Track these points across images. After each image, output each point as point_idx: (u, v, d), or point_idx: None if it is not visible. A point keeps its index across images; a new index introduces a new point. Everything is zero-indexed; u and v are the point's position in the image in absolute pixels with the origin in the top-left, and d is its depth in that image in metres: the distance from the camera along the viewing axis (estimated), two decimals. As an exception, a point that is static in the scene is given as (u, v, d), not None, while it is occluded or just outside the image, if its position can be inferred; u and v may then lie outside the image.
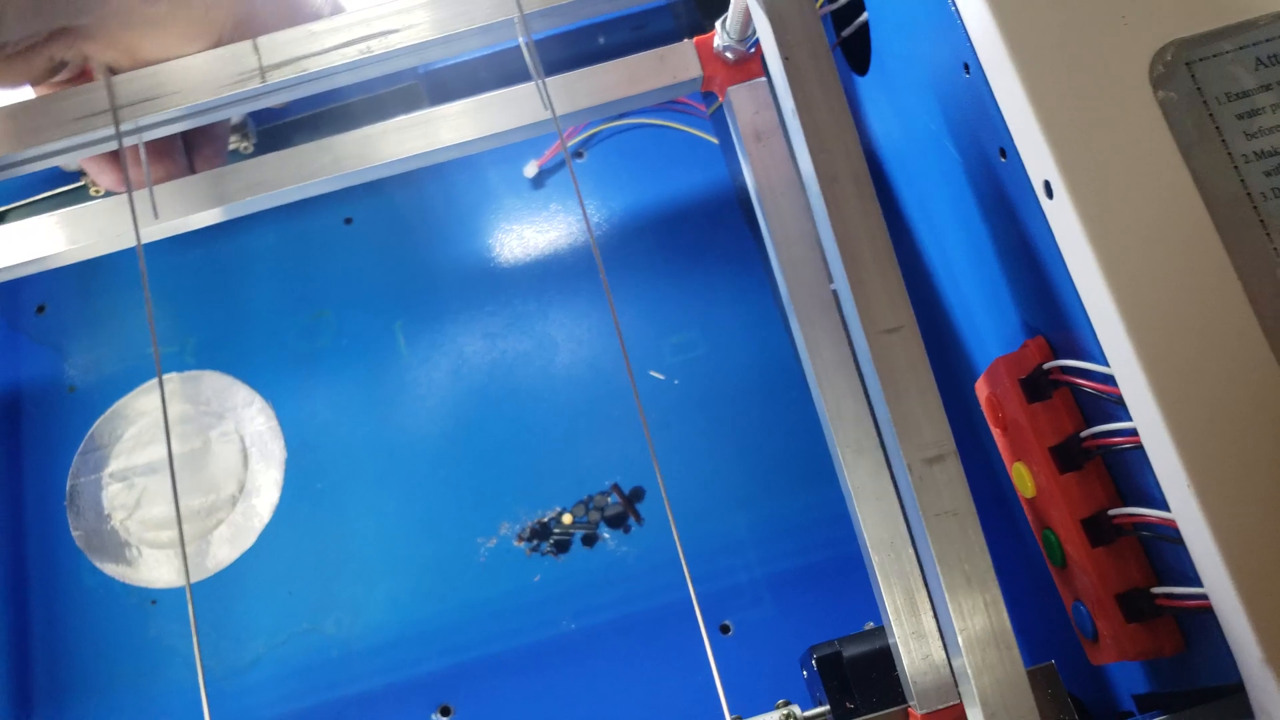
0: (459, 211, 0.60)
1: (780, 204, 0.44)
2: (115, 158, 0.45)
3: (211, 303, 0.60)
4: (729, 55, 0.45)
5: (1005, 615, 0.30)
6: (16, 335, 0.60)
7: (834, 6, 0.47)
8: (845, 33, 0.47)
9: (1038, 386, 0.34)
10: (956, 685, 0.33)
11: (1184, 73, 0.30)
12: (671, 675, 0.49)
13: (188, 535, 0.55)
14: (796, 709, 0.40)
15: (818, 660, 0.39)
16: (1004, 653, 0.30)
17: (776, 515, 0.52)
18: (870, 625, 0.42)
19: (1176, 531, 0.29)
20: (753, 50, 0.45)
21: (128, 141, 0.40)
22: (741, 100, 0.46)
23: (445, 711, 0.50)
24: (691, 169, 0.60)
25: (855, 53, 0.48)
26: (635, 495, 0.53)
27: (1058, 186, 0.30)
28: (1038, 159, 0.31)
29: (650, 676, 0.50)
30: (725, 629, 0.50)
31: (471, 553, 0.53)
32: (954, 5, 0.33)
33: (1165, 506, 0.30)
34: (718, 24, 0.45)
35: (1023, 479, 0.35)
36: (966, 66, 0.34)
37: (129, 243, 0.46)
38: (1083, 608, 0.34)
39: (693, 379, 0.55)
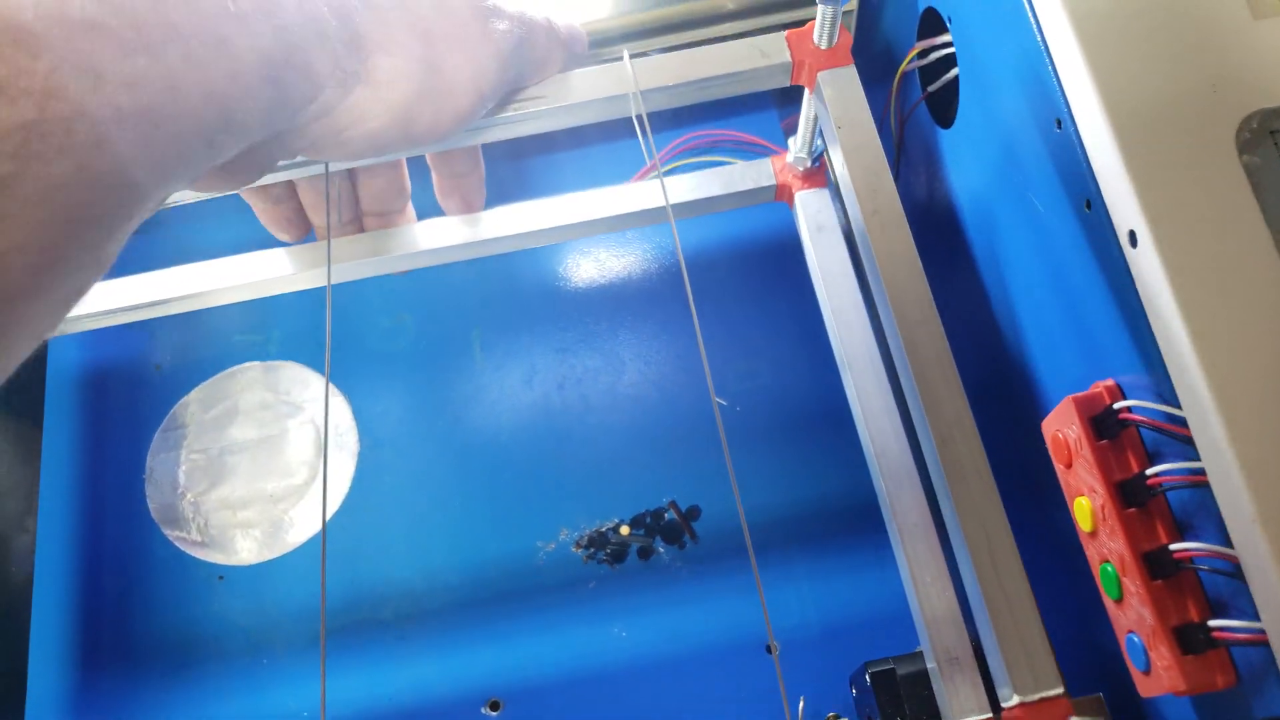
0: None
1: (839, 285, 0.49)
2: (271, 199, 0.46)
3: (299, 298, 0.62)
4: (799, 169, 0.51)
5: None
6: (111, 314, 0.63)
7: (924, 63, 0.50)
8: (931, 88, 0.50)
9: (1106, 425, 0.36)
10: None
11: (1268, 140, 0.32)
12: (719, 688, 0.51)
13: (260, 519, 0.57)
14: (847, 722, 0.42)
15: (872, 675, 0.41)
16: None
17: (825, 543, 0.54)
18: (920, 648, 0.44)
19: (1236, 566, 0.31)
20: (817, 165, 0.52)
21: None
22: (808, 201, 0.52)
23: (494, 706, 0.51)
24: (767, 211, 0.63)
25: (941, 107, 0.51)
26: (691, 514, 0.55)
27: (1143, 236, 0.32)
28: (1124, 210, 0.33)
29: (696, 688, 0.51)
30: (770, 649, 0.52)
31: (530, 555, 0.55)
32: (1052, 66, 0.36)
33: (1226, 543, 0.31)
34: (789, 141, 0.51)
35: (1084, 513, 0.37)
36: (1059, 122, 0.36)
37: (318, 282, 0.50)
38: (1136, 640, 0.35)
39: (754, 407, 0.58)
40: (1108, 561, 0.36)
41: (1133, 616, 0.35)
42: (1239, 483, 0.30)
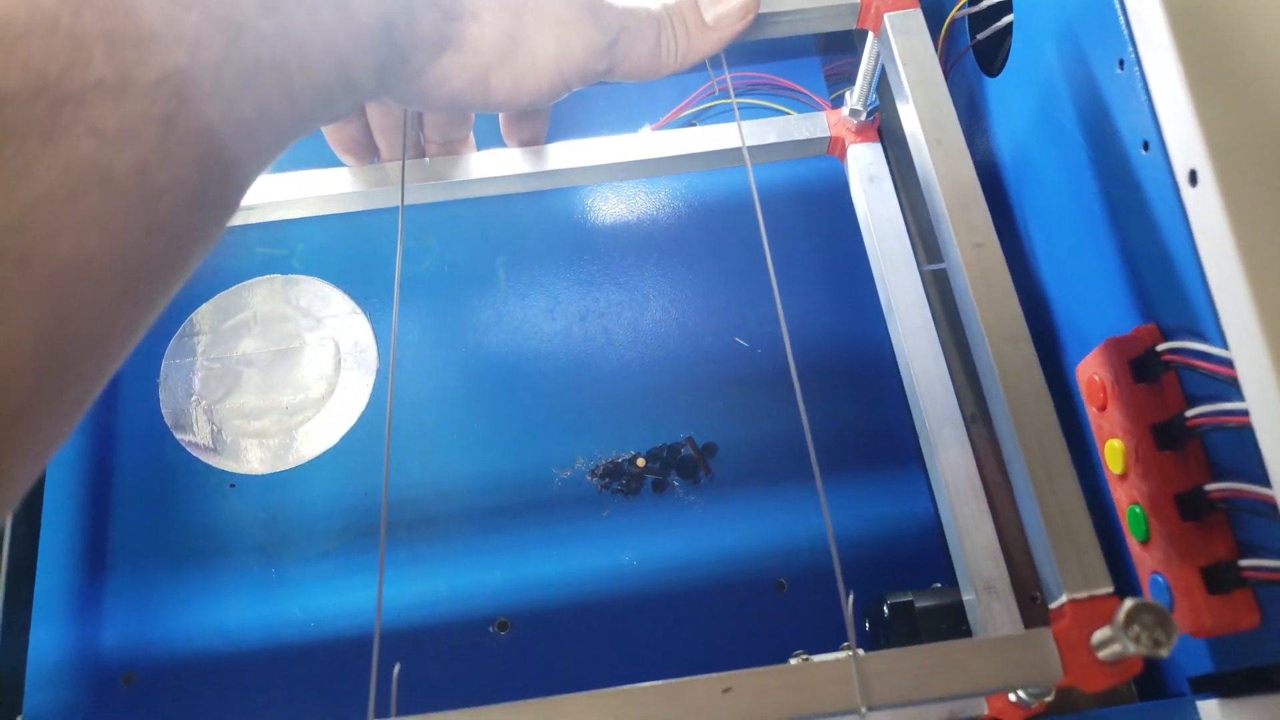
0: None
1: (888, 231, 0.50)
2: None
3: (324, 215, 0.62)
4: (853, 122, 0.53)
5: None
6: (132, 218, 0.63)
7: (974, 9, 0.49)
8: (982, 35, 0.50)
9: (1146, 368, 0.36)
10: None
11: (1336, 85, 0.32)
12: (724, 619, 0.51)
13: (274, 429, 0.57)
14: (861, 651, 0.42)
15: (890, 607, 0.41)
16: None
17: (840, 484, 0.54)
18: (937, 586, 0.44)
19: (1272, 507, 0.31)
20: (871, 120, 0.52)
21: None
22: (860, 155, 0.53)
23: (502, 626, 0.52)
24: (803, 164, 0.62)
25: (986, 55, 0.50)
26: (708, 450, 0.55)
27: (1204, 174, 0.32)
28: (1187, 149, 0.33)
29: (703, 617, 0.51)
30: (780, 586, 0.52)
31: (546, 481, 0.55)
32: (1120, 5, 0.36)
33: (1266, 484, 0.32)
34: (846, 94, 0.52)
35: (1115, 456, 0.37)
36: (1121, 63, 0.36)
37: (382, 202, 0.51)
38: (1161, 580, 0.35)
39: (775, 350, 0.58)
40: (1136, 504, 0.36)
41: (1159, 557, 0.36)
42: (1284, 422, 0.30)
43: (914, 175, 0.50)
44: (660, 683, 0.30)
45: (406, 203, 0.49)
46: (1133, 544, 0.37)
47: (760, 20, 0.43)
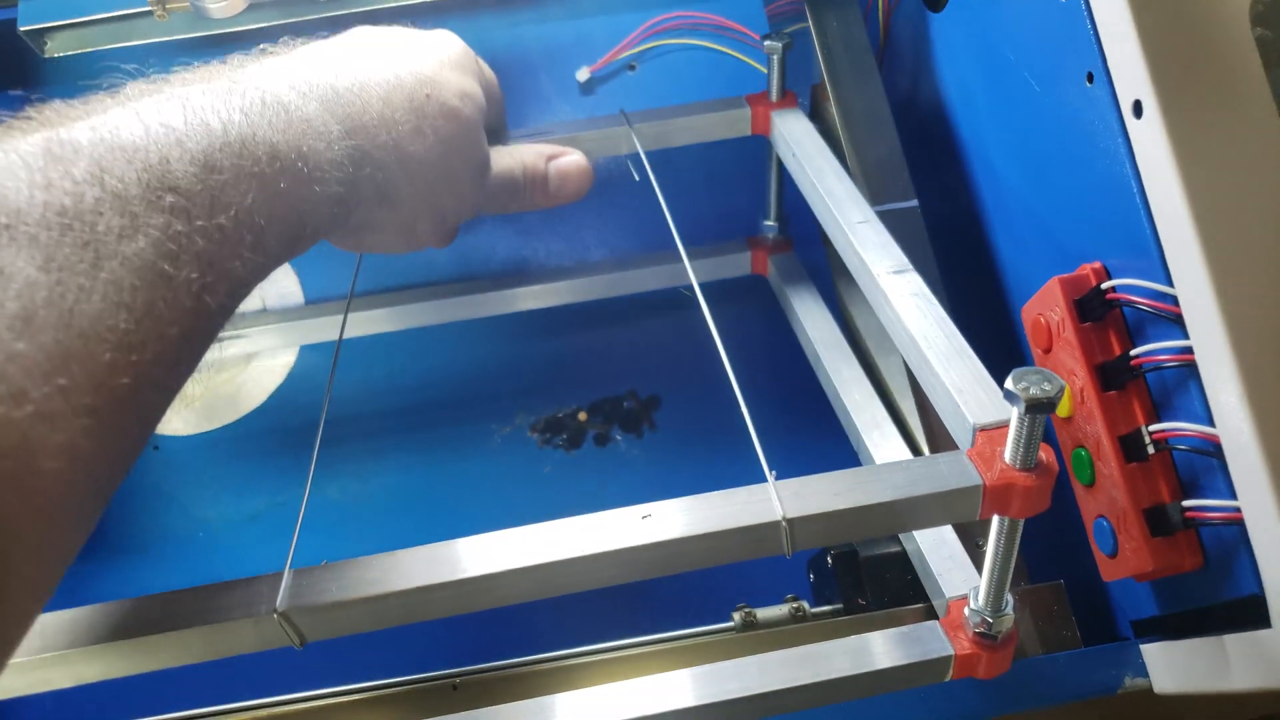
0: (506, 108, 0.60)
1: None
2: None
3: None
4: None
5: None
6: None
7: (917, -58, 0.48)
8: (924, -31, 0.48)
9: (1091, 307, 0.35)
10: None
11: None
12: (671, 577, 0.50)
13: (197, 390, 0.54)
14: (805, 604, 0.41)
15: (834, 557, 0.40)
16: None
17: (785, 434, 0.53)
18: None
19: (1216, 446, 0.31)
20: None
21: None
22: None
23: (441, 586, 0.50)
24: (733, 90, 0.60)
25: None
26: (651, 403, 0.54)
27: (1148, 105, 0.31)
28: (1130, 79, 0.32)
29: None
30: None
31: (485, 437, 0.53)
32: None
33: (1207, 424, 0.31)
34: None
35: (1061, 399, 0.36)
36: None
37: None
38: (1105, 523, 0.35)
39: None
40: (1081, 446, 0.36)
41: (1104, 500, 0.35)
42: (1228, 359, 0.29)
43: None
44: (580, 517, 0.31)
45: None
46: (1078, 488, 0.37)
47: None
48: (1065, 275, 0.36)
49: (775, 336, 0.54)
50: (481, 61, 0.45)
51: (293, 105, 0.30)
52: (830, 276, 0.53)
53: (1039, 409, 0.28)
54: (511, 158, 0.43)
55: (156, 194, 0.24)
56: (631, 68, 0.61)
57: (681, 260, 0.55)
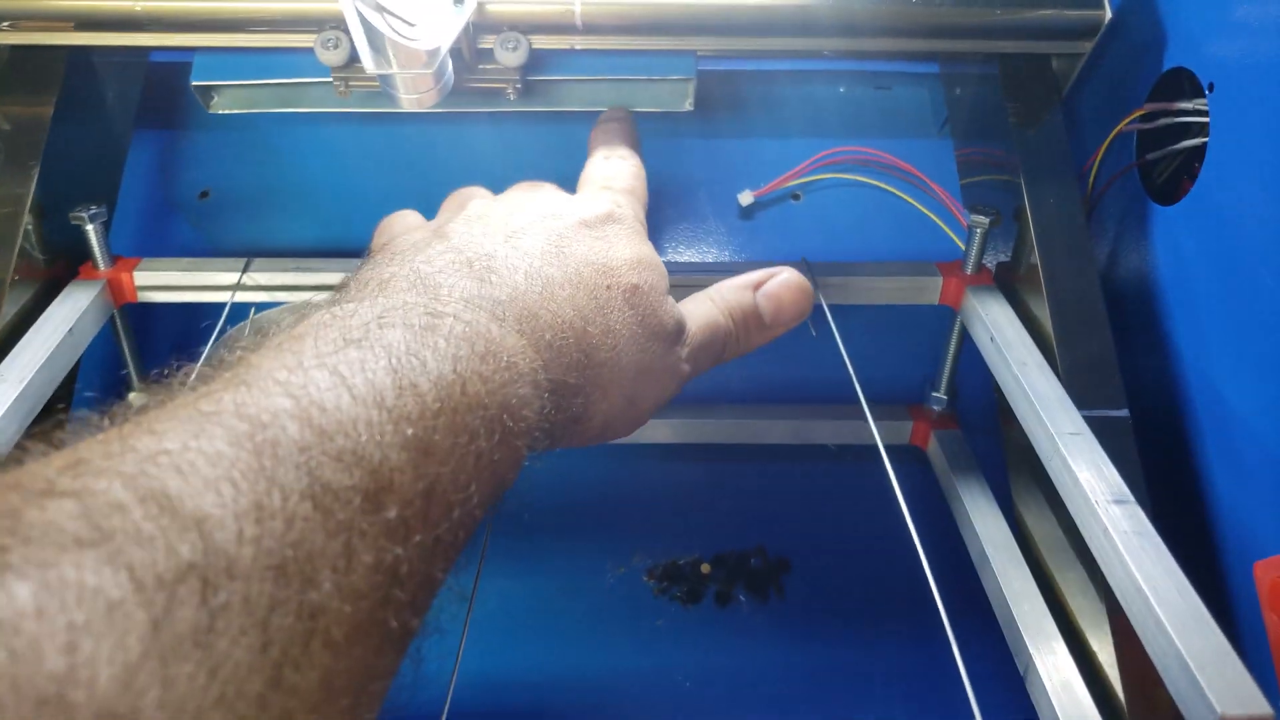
0: (663, 218, 0.57)
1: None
2: None
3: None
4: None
5: None
6: (173, 217, 0.57)
7: (1147, 126, 0.44)
8: (1150, 156, 0.45)
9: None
10: None
11: None
12: (788, 769, 0.45)
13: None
14: None
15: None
16: None
17: (930, 628, 0.48)
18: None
19: None
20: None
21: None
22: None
23: (534, 734, 0.46)
24: (904, 240, 0.57)
25: (1153, 176, 0.45)
26: (781, 565, 0.50)
27: None
28: None
29: (761, 763, 0.46)
30: (848, 733, 0.46)
31: (598, 573, 0.49)
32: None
33: None
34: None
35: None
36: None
37: None
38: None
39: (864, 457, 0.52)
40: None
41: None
42: None
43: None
44: None
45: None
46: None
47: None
48: (1335, 548, 0.32)
49: (928, 519, 0.49)
50: (630, 169, 0.41)
51: (495, 340, 0.25)
52: (1004, 468, 0.48)
53: None
54: (710, 304, 0.37)
55: (375, 507, 0.19)
56: (796, 197, 0.58)
57: (832, 416, 0.52)
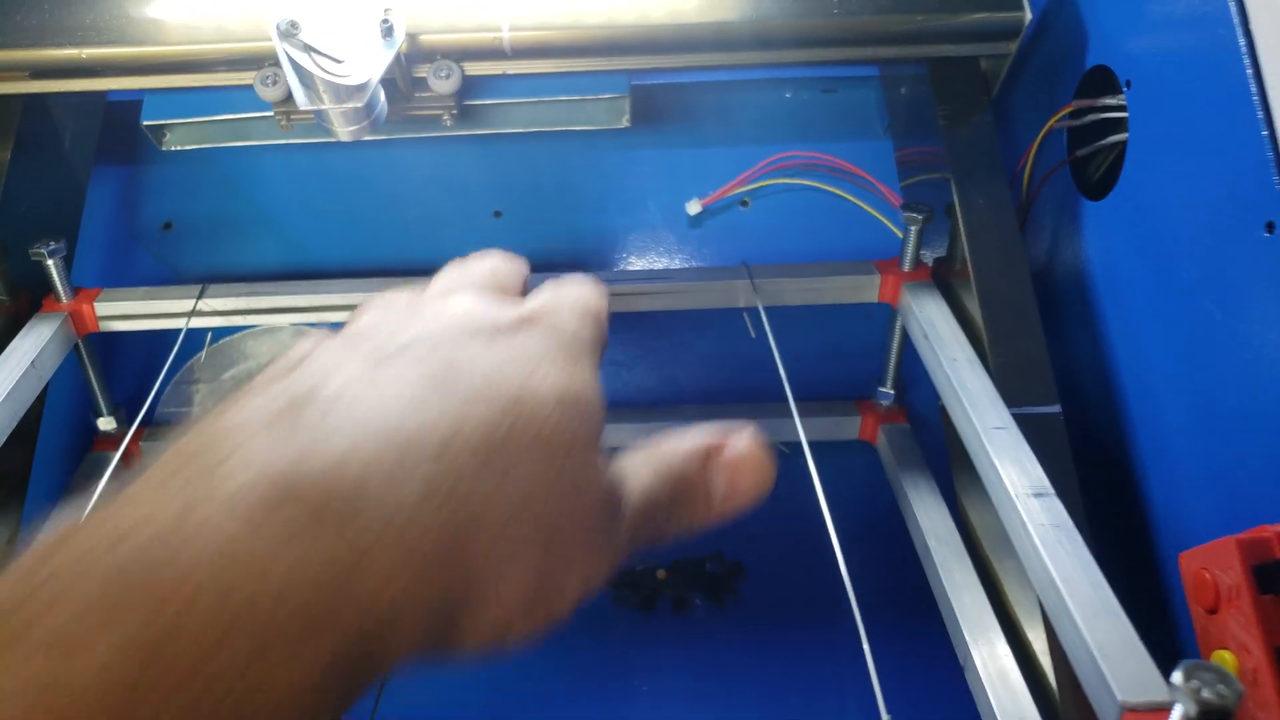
0: (612, 232, 0.58)
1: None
2: None
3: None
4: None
5: None
6: (138, 249, 0.58)
7: (1076, 123, 0.45)
8: (1080, 152, 0.45)
9: (1275, 579, 0.31)
10: None
11: None
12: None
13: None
14: None
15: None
16: None
17: (880, 625, 0.49)
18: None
19: None
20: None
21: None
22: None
23: (494, 747, 0.47)
24: (851, 240, 0.57)
25: (1085, 173, 0.46)
26: (736, 569, 0.51)
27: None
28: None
29: (718, 764, 0.47)
30: (806, 733, 0.47)
31: (557, 586, 0.50)
32: (1275, 161, 0.31)
33: None
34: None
35: (1227, 668, 0.32)
36: (1270, 226, 0.32)
37: None
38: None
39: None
40: (1247, 730, 0.32)
41: (1271, 801, 0.31)
42: None
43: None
44: None
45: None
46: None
47: None
48: (1244, 536, 0.32)
49: (878, 513, 0.50)
50: (586, 285, 0.27)
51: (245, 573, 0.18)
52: (947, 461, 0.49)
53: (1212, 717, 0.24)
54: (651, 472, 0.27)
55: None
56: (744, 204, 0.59)
57: (784, 415, 0.52)
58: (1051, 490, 0.36)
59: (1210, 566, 0.33)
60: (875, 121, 0.59)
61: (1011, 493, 0.36)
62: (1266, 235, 0.32)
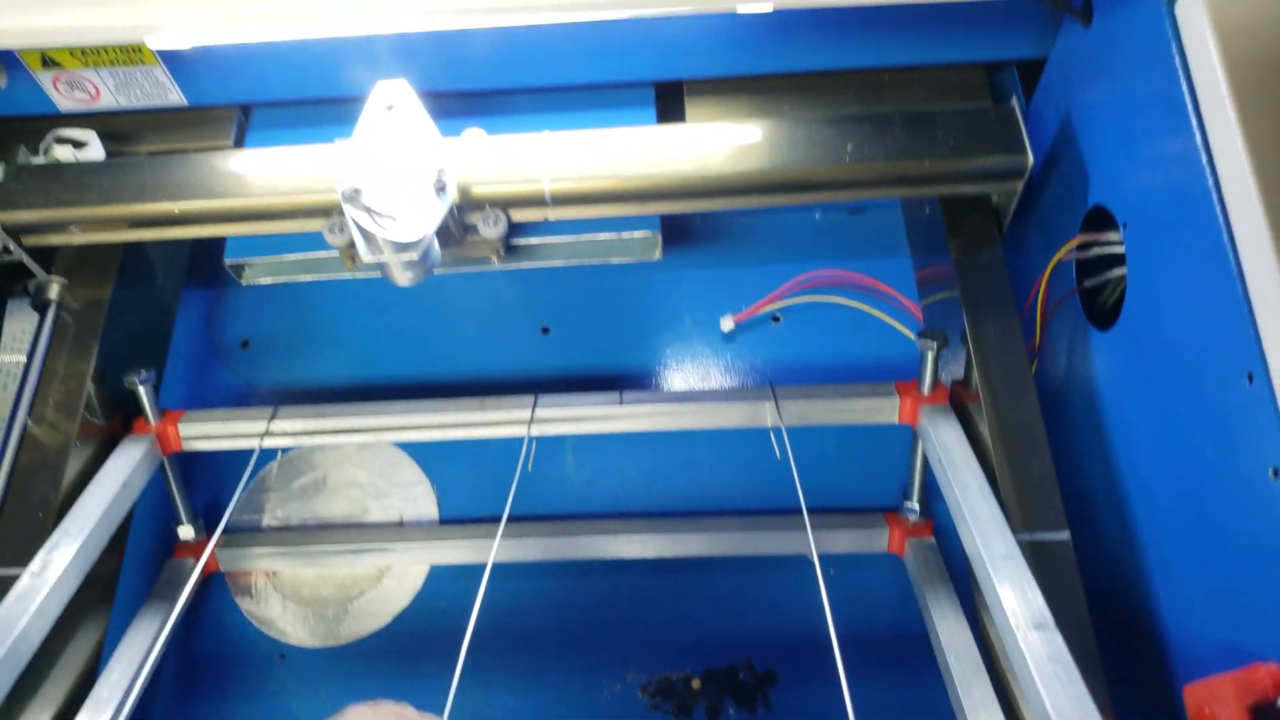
0: (651, 346, 0.62)
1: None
2: None
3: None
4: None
5: None
6: (218, 365, 0.63)
7: (1083, 256, 0.47)
8: (1088, 283, 0.48)
9: (1268, 718, 0.32)
10: None
11: None
12: None
13: (329, 601, 0.56)
14: None
15: None
16: None
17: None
18: None
19: None
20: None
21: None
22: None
23: None
24: (879, 354, 0.60)
25: (1094, 303, 0.48)
26: (767, 678, 0.53)
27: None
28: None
29: None
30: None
31: (595, 690, 0.52)
32: (1250, 314, 0.34)
33: None
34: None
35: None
36: (1250, 376, 0.34)
37: None
38: None
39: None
40: None
41: None
42: None
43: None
44: None
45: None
46: None
47: None
48: (1238, 674, 0.34)
49: (903, 625, 0.52)
50: None
51: None
52: (969, 579, 0.51)
53: None
54: None
55: None
56: (776, 319, 0.62)
57: (817, 527, 0.55)
58: (1052, 622, 0.37)
59: (1210, 703, 0.34)
60: (899, 240, 0.62)
61: (1013, 624, 0.38)
62: (1248, 385, 0.34)
